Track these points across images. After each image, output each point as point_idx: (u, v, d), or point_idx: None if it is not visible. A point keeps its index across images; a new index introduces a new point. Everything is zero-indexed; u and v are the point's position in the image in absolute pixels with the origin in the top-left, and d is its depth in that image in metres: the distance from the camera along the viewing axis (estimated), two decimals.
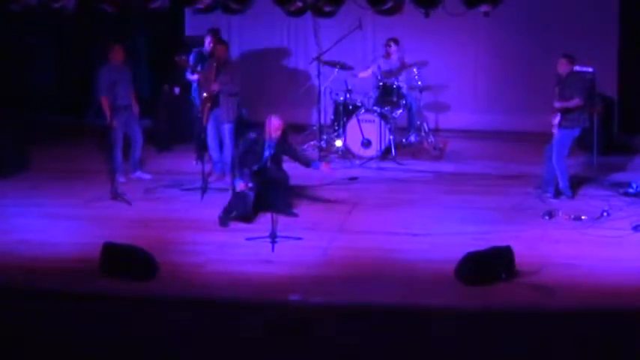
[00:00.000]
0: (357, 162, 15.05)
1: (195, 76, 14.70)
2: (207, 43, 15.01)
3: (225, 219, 11.91)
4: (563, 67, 12.74)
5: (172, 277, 10.18)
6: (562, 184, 12.83)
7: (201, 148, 13.89)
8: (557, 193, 12.86)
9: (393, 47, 16.19)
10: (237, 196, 12.00)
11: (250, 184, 11.92)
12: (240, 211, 11.95)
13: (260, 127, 12.32)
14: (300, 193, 13.06)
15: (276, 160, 12.29)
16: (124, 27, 17.35)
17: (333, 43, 15.95)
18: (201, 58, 14.92)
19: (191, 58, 15.05)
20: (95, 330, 8.94)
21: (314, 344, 8.73)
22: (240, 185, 11.88)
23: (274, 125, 12.12)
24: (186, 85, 15.40)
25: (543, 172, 13.01)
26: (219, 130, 13.83)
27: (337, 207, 12.71)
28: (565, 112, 12.59)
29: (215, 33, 15.20)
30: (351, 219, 12.25)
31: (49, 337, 8.88)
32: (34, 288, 9.82)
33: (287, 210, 12.20)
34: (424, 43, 17.03)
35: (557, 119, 12.60)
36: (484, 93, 17.45)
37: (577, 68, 13.46)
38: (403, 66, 16.19)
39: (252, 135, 12.21)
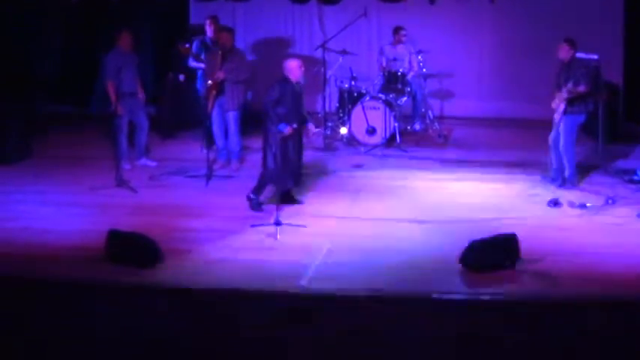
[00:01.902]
0: (362, 149, 15.05)
1: (199, 64, 14.68)
2: (209, 29, 14.98)
3: (256, 201, 11.90)
4: (564, 53, 12.70)
5: (177, 265, 10.19)
6: (569, 171, 12.80)
7: (208, 136, 13.89)
8: (563, 181, 12.85)
9: (404, 35, 16.13)
10: (271, 172, 11.88)
11: (295, 125, 11.75)
12: (280, 186, 11.84)
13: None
14: (304, 180, 13.07)
15: (302, 117, 12.10)
16: (128, 14, 17.35)
17: (337, 30, 15.95)
18: (204, 47, 14.91)
19: (194, 46, 15.03)
20: (100, 318, 8.95)
21: (318, 332, 8.73)
22: (287, 129, 11.65)
23: (296, 65, 11.98)
24: (191, 73, 15.38)
25: (552, 160, 12.97)
26: (224, 117, 13.82)
27: (342, 194, 12.71)
28: (570, 99, 12.56)
29: (215, 19, 15.17)
30: (356, 206, 12.25)
31: (52, 325, 8.88)
32: (38, 276, 9.83)
33: (292, 198, 12.14)
34: (429, 30, 17.01)
35: (561, 107, 12.57)
36: (489, 80, 17.43)
37: (582, 55, 13.41)
38: (409, 53, 16.17)
39: (278, 85, 11.90)
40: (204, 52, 14.72)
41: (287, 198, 11.98)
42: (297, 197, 12.28)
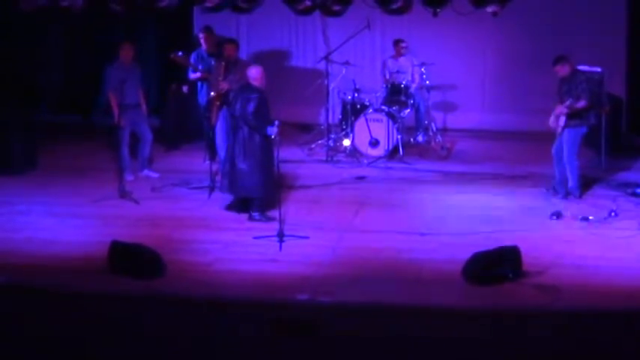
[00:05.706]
0: (365, 161, 15.05)
1: (197, 75, 14.72)
2: (203, 41, 15.05)
3: (265, 218, 11.94)
4: (562, 71, 12.67)
5: (180, 276, 10.19)
6: (572, 183, 12.81)
7: (211, 147, 13.91)
8: (566, 193, 12.85)
9: (403, 47, 16.17)
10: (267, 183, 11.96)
11: (277, 122, 11.72)
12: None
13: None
14: (307, 192, 13.08)
15: None
16: (132, 26, 17.40)
17: (341, 42, 15.98)
18: (201, 59, 14.93)
19: (192, 58, 15.03)
20: (102, 328, 8.95)
21: (321, 343, 8.73)
22: (274, 130, 11.66)
23: (262, 72, 12.00)
24: (193, 84, 15.40)
25: (556, 173, 12.96)
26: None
27: (344, 206, 12.71)
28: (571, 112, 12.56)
29: (208, 30, 15.20)
30: (359, 218, 12.25)
31: (56, 335, 8.89)
32: (41, 286, 9.84)
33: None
34: (432, 43, 17.04)
35: (562, 121, 12.58)
36: (492, 93, 17.46)
37: (585, 68, 13.41)
38: (412, 65, 16.19)
39: (256, 96, 11.85)
40: (200, 63, 14.77)
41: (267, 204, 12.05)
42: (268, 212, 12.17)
